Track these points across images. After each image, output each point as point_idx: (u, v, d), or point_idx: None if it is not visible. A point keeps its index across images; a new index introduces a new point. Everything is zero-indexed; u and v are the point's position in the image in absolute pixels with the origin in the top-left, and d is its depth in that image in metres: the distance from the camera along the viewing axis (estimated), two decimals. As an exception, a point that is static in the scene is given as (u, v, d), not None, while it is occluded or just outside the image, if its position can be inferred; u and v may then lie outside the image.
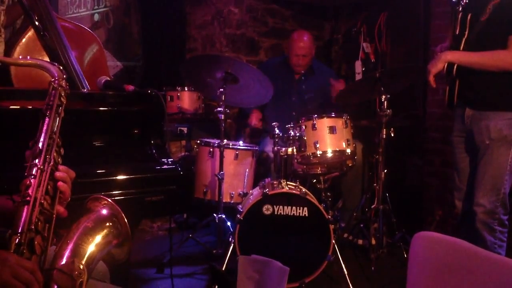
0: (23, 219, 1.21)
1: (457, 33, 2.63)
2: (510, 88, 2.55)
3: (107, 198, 1.41)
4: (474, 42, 2.56)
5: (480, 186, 2.59)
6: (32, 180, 1.27)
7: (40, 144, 1.34)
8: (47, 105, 1.43)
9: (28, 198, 1.24)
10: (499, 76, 2.53)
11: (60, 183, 1.34)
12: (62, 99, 1.47)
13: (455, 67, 2.61)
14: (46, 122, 1.39)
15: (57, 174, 1.35)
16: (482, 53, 2.54)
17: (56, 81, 1.47)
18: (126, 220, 1.38)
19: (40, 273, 1.15)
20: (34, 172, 1.29)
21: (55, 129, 1.40)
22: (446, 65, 2.62)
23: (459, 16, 2.62)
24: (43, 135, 1.36)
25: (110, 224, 1.38)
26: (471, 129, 2.65)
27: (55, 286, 1.18)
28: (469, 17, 2.58)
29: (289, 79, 4.07)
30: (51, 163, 1.34)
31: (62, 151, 1.40)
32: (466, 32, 2.59)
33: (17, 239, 1.17)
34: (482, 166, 2.59)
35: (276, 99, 3.83)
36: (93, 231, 1.34)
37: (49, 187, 1.31)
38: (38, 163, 1.31)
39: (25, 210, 1.22)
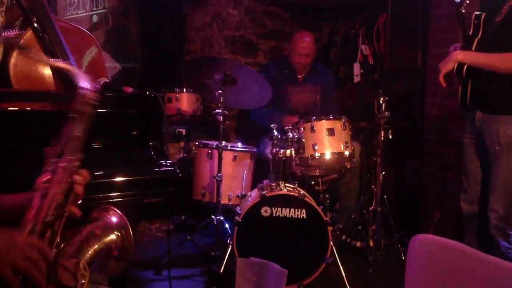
0: (38, 210, 1.26)
1: (470, 33, 2.60)
2: None
3: (116, 209, 1.43)
4: (487, 43, 2.54)
5: (493, 192, 2.58)
6: (52, 176, 1.33)
7: (63, 145, 1.39)
8: (74, 110, 1.46)
9: (45, 191, 1.29)
10: (510, 78, 2.50)
11: (76, 185, 1.38)
12: (88, 107, 1.49)
13: (465, 67, 2.58)
14: (72, 125, 1.43)
15: (76, 177, 1.38)
16: (493, 55, 2.51)
17: (85, 90, 1.50)
18: (132, 237, 1.40)
19: (49, 250, 1.19)
20: (54, 168, 1.34)
21: (80, 133, 1.44)
22: (456, 66, 2.59)
23: (473, 16, 2.59)
24: (67, 137, 1.41)
25: (118, 234, 1.40)
26: (481, 132, 2.63)
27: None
28: (483, 18, 2.55)
29: (293, 80, 4.08)
30: (73, 164, 1.38)
31: (80, 156, 1.43)
32: (480, 33, 2.56)
33: (31, 226, 1.23)
34: (494, 171, 2.58)
35: (280, 100, 3.83)
36: (100, 237, 1.37)
37: (66, 186, 1.35)
38: (60, 162, 1.35)
39: (42, 201, 1.27)
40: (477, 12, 2.59)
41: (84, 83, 1.50)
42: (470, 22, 2.61)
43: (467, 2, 2.55)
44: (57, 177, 1.33)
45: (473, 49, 2.58)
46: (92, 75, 2.27)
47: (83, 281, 1.21)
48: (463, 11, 2.57)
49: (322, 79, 4.12)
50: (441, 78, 2.62)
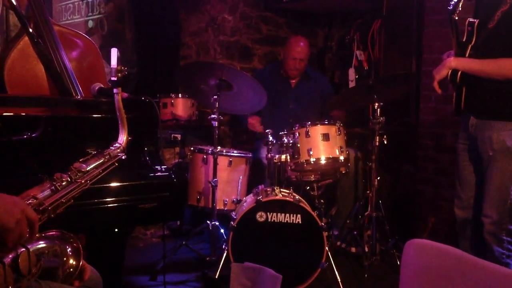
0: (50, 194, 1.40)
1: (463, 40, 2.60)
2: None
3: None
4: (481, 49, 2.54)
5: (487, 197, 2.58)
6: (66, 178, 1.45)
7: (89, 168, 1.58)
8: (106, 154, 1.68)
9: (56, 187, 1.41)
10: (504, 84, 2.49)
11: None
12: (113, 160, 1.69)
13: (459, 74, 2.58)
14: (101, 158, 1.64)
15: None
16: (486, 61, 2.51)
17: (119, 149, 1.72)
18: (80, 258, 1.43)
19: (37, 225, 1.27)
20: (71, 178, 1.47)
21: (102, 168, 1.64)
22: (450, 72, 2.60)
23: (466, 22, 2.60)
24: (95, 164, 1.61)
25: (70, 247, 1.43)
26: (475, 138, 2.63)
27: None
28: (476, 24, 2.55)
29: (286, 86, 4.09)
30: (82, 187, 1.51)
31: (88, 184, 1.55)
32: (473, 39, 2.56)
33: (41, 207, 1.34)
34: (487, 177, 2.58)
35: (273, 106, 3.85)
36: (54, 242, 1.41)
37: (69, 196, 1.45)
38: (80, 179, 1.50)
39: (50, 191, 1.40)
40: (470, 19, 2.60)
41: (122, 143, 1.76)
42: (464, 28, 2.62)
43: (460, 9, 2.56)
44: (75, 185, 1.47)
45: (466, 55, 2.58)
46: (91, 80, 2.28)
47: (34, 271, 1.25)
48: (456, 18, 2.57)
49: (316, 85, 4.14)
50: (435, 85, 2.63)
